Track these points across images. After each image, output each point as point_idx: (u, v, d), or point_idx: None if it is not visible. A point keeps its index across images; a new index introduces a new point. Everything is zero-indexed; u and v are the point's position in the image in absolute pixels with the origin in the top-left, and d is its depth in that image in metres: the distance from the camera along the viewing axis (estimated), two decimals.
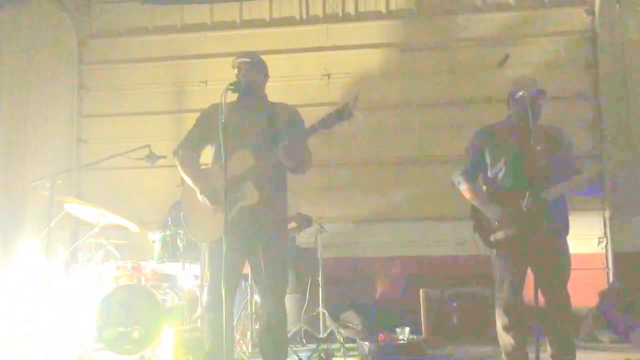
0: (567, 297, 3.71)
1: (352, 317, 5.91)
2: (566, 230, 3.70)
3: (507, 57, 6.85)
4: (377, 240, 6.80)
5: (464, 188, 3.80)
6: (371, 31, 7.24)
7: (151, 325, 4.45)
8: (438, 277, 6.26)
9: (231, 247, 3.18)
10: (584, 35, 6.91)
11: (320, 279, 5.59)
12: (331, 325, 5.45)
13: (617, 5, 6.85)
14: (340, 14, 7.32)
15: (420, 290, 5.91)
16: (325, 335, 5.46)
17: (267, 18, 7.43)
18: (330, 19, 7.31)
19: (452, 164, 6.76)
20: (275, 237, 3.56)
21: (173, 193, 6.38)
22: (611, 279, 6.45)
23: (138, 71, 7.45)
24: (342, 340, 5.22)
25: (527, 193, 3.50)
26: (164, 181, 6.83)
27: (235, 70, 3.63)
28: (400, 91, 7.07)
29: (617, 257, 6.50)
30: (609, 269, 6.52)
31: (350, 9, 7.31)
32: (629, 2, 6.77)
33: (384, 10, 7.28)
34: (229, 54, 7.24)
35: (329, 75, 7.16)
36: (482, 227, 3.73)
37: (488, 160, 3.75)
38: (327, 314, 5.48)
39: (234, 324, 4.30)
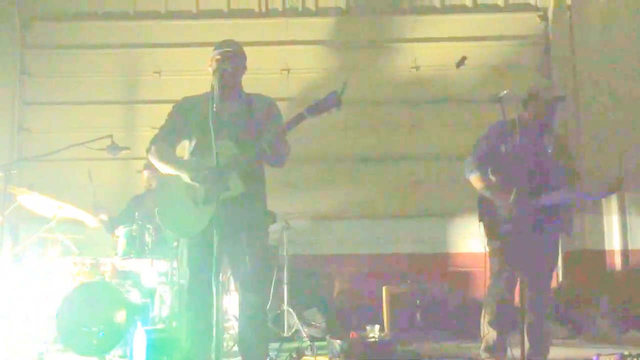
0: (550, 297, 3.87)
1: (315, 315, 5.83)
2: (566, 233, 3.78)
3: (464, 58, 6.92)
4: (337, 237, 6.77)
5: (474, 176, 3.82)
6: (331, 27, 7.19)
7: (117, 325, 4.21)
8: (399, 274, 6.27)
9: (212, 242, 3.08)
10: (537, 40, 7.14)
11: (285, 276, 5.49)
12: (296, 323, 5.37)
13: (569, 13, 7.12)
14: (300, 9, 7.23)
15: (384, 287, 5.91)
16: (290, 333, 5.37)
17: (225, 9, 7.24)
18: (290, 13, 7.21)
19: (412, 161, 7.02)
20: (258, 231, 3.47)
21: (131, 186, 6.19)
22: (560, 277, 6.69)
23: (86, 58, 7.07)
24: (307, 338, 5.14)
25: (515, 189, 3.56)
26: (119, 174, 6.63)
27: (217, 57, 3.47)
28: (359, 88, 7.03)
29: (565, 255, 6.74)
30: (558, 267, 6.74)
31: (310, 4, 7.23)
32: (580, 10, 7.04)
33: (343, 6, 7.25)
34: (184, 45, 7.18)
35: (288, 70, 7.06)
36: (487, 218, 3.77)
37: (498, 155, 3.78)
38: (292, 312, 5.39)
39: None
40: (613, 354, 3.93)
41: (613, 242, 6.73)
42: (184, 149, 3.54)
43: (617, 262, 6.71)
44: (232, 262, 3.49)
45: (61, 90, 7.01)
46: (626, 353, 3.85)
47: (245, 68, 3.53)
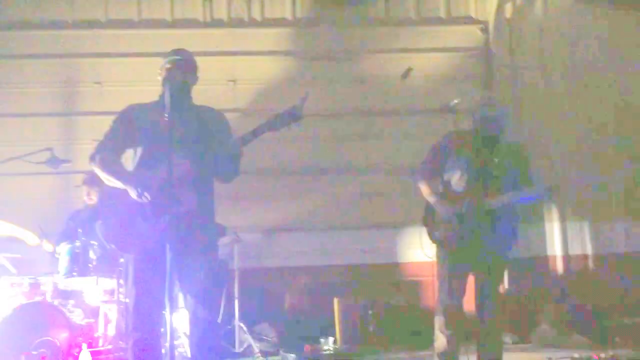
0: (500, 303, 3.94)
1: (266, 330, 5.73)
2: (511, 241, 3.84)
3: (409, 70, 7.03)
4: (286, 250, 6.67)
5: (421, 184, 3.93)
6: (278, 38, 7.15)
7: (60, 348, 3.99)
8: (351, 286, 6.24)
9: (161, 259, 2.94)
10: (479, 52, 7.30)
11: (235, 290, 5.37)
12: (247, 339, 5.25)
13: (508, 26, 7.32)
14: (246, 19, 7.15)
15: (335, 299, 5.87)
16: (242, 349, 5.25)
17: (168, 18, 7.07)
18: (235, 23, 7.11)
19: (362, 172, 7.03)
20: (208, 245, 3.36)
21: (69, 201, 5.94)
22: (506, 284, 6.81)
23: (22, 68, 6.75)
24: (260, 354, 5.04)
25: (469, 197, 3.67)
26: (58, 189, 6.36)
27: (167, 66, 3.36)
28: (307, 100, 7.01)
29: (511, 261, 6.86)
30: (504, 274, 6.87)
31: (256, 14, 7.16)
32: (519, 23, 7.24)
33: (290, 17, 7.21)
34: (125, 54, 6.97)
35: (234, 81, 6.96)
36: (429, 223, 3.89)
37: (448, 163, 3.87)
38: (244, 327, 5.28)
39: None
40: (564, 358, 4.03)
41: (555, 248, 6.91)
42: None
43: (559, 267, 6.88)
44: (181, 278, 3.37)
45: None
46: (576, 356, 3.95)
47: (196, 78, 3.43)
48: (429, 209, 3.92)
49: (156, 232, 3.09)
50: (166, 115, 3.02)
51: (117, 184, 3.21)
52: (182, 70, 3.33)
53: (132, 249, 3.26)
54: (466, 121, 4.04)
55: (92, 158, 3.28)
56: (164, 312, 3.38)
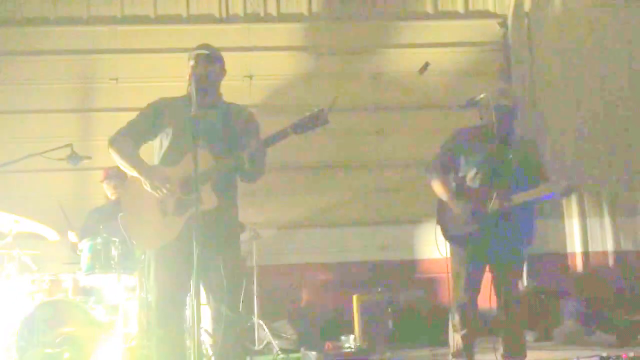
0: (519, 298, 3.94)
1: (285, 327, 5.69)
2: (528, 239, 3.79)
3: (427, 64, 6.99)
4: (303, 246, 6.64)
5: (435, 181, 3.89)
6: (294, 33, 7.10)
7: (83, 345, 3.97)
8: (368, 282, 6.19)
9: (183, 255, 2.95)
10: (497, 46, 7.23)
11: (255, 288, 5.35)
12: (266, 336, 5.23)
13: (526, 20, 7.25)
14: (262, 14, 7.11)
15: (354, 296, 5.82)
16: (261, 347, 5.22)
17: (184, 14, 7.04)
18: (251, 18, 7.06)
19: (377, 168, 6.98)
20: (232, 242, 3.37)
21: (88, 198, 5.93)
22: (525, 281, 6.75)
23: (39, 65, 6.72)
24: (279, 351, 5.02)
25: (495, 194, 3.62)
26: (76, 185, 6.35)
27: (191, 63, 3.34)
28: (323, 95, 6.96)
29: (529, 259, 6.81)
30: (524, 270, 6.81)
31: (272, 9, 7.12)
32: (538, 17, 7.17)
33: (306, 12, 7.16)
34: (141, 50, 6.94)
35: (251, 77, 6.92)
36: (444, 221, 3.86)
37: (461, 160, 3.82)
38: (263, 324, 5.25)
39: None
40: (592, 357, 3.98)
41: (574, 244, 6.84)
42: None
43: (579, 264, 6.82)
44: (205, 275, 3.34)
45: (11, 98, 6.66)
46: (604, 355, 3.89)
47: (224, 72, 3.42)
48: (441, 206, 3.88)
49: (176, 229, 3.07)
50: (192, 110, 3.00)
51: (132, 171, 3.19)
52: (206, 64, 3.31)
53: (151, 244, 3.23)
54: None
55: (111, 141, 3.27)
56: (186, 308, 3.41)
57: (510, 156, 3.67)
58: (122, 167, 3.24)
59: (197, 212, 2.74)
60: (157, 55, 6.79)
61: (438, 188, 3.88)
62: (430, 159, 3.99)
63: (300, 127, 3.06)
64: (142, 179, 3.14)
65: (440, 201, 3.89)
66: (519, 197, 3.66)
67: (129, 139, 3.28)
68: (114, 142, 3.25)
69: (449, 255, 3.89)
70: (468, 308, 3.80)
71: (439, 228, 3.94)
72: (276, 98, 6.91)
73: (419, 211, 6.73)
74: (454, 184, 3.89)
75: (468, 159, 3.79)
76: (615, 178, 6.68)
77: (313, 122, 3.05)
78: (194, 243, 2.81)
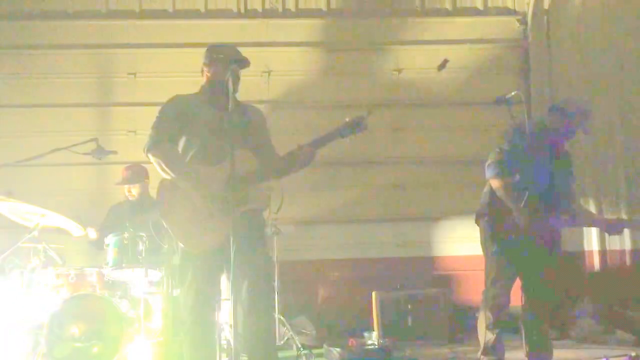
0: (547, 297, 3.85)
1: (304, 323, 5.69)
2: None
3: (446, 61, 6.97)
4: (322, 242, 6.64)
5: (498, 182, 3.77)
6: (312, 29, 7.08)
7: (112, 339, 3.98)
8: (387, 279, 6.18)
9: (224, 258, 3.01)
10: (516, 43, 7.20)
11: (276, 283, 5.33)
12: (287, 332, 5.22)
13: (545, 17, 7.22)
14: (280, 10, 7.09)
15: (373, 292, 5.82)
16: (282, 342, 5.22)
17: (202, 9, 7.02)
18: (269, 14, 7.05)
19: (396, 165, 6.96)
20: (262, 240, 3.42)
21: (107, 194, 5.92)
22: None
23: (56, 59, 6.73)
24: (301, 347, 5.00)
25: (527, 193, 3.60)
26: (95, 181, 6.36)
27: (233, 65, 3.32)
28: (341, 91, 6.97)
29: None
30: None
31: (291, 5, 7.10)
32: (557, 14, 7.14)
33: (324, 8, 7.14)
34: (159, 45, 6.92)
35: (269, 72, 6.90)
36: (497, 221, 3.77)
37: (522, 164, 3.74)
38: (284, 320, 5.25)
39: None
40: (620, 356, 3.97)
41: (592, 243, 6.82)
42: None
43: (596, 262, 6.80)
44: (239, 272, 3.34)
45: (29, 92, 6.66)
46: (633, 355, 3.88)
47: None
48: (495, 207, 3.78)
49: (223, 230, 3.05)
50: (229, 109, 3.03)
51: (182, 183, 3.17)
52: (241, 66, 3.36)
53: (199, 247, 3.19)
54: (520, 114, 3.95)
55: (149, 148, 3.24)
56: (219, 305, 3.42)
57: (571, 168, 3.76)
58: (162, 174, 3.22)
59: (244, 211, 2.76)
60: (175, 50, 6.78)
61: (501, 190, 3.75)
62: (493, 157, 3.83)
63: (344, 132, 3.24)
64: (194, 192, 3.14)
65: (492, 199, 3.80)
66: (584, 221, 3.83)
67: (167, 144, 3.26)
68: (152, 149, 3.23)
69: (491, 254, 3.83)
70: (503, 310, 3.79)
71: (486, 225, 3.85)
72: (294, 94, 6.90)
73: (438, 208, 6.77)
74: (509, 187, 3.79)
75: (530, 163, 3.71)
76: (633, 175, 6.65)
77: (354, 128, 3.24)
78: (231, 240, 2.84)
